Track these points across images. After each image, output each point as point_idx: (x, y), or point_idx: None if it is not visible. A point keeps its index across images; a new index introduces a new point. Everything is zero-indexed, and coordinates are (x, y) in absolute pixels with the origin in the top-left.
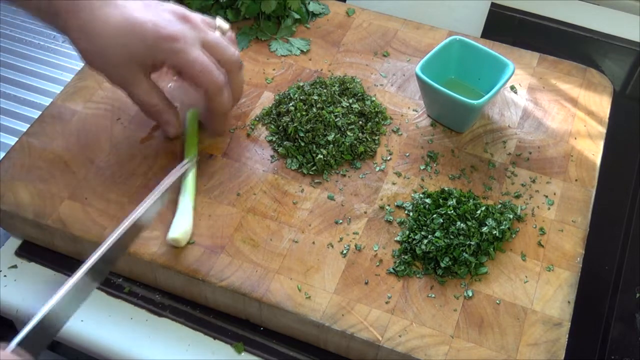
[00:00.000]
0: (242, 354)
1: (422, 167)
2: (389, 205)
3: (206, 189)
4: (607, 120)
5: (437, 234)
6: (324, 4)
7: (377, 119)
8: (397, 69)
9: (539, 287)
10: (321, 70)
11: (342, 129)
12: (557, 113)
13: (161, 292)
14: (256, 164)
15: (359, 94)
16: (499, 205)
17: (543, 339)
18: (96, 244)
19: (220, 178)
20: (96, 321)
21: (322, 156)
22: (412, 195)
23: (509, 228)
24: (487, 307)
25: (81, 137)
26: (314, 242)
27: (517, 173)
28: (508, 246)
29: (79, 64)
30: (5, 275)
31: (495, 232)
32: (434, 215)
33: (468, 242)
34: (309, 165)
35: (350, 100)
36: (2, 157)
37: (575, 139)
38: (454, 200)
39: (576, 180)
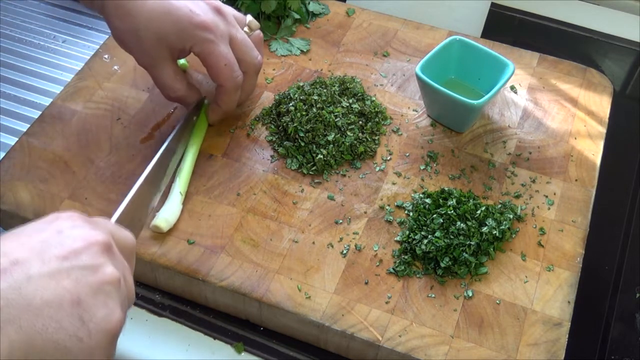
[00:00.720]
0: (242, 354)
1: (422, 167)
2: (389, 205)
3: (206, 189)
4: (607, 120)
5: (437, 234)
6: (324, 4)
7: (377, 119)
8: (397, 69)
9: (539, 287)
10: (321, 70)
11: (342, 129)
12: (557, 113)
13: (161, 292)
14: (256, 164)
15: (359, 94)
16: (499, 205)
17: (543, 339)
18: None
19: (220, 178)
20: None
21: (322, 156)
22: (412, 195)
23: (509, 228)
24: (487, 307)
25: (81, 137)
26: (314, 242)
27: (517, 173)
28: (508, 246)
29: (79, 64)
30: None
31: (495, 232)
32: (434, 215)
33: (468, 242)
34: (309, 165)
35: (350, 100)
36: (2, 157)
37: (575, 139)
38: (454, 200)
39: (576, 180)
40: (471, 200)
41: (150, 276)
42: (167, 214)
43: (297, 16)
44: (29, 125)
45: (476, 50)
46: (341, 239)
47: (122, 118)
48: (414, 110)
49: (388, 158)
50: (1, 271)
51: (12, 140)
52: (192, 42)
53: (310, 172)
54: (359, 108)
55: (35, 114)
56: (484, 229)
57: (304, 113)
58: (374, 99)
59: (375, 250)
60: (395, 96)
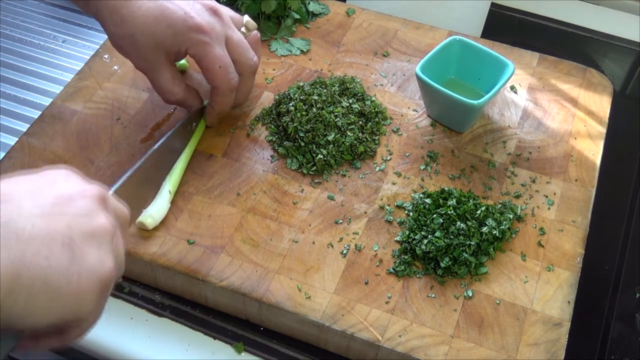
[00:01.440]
0: (242, 354)
1: (422, 167)
2: (389, 205)
3: (206, 189)
4: (607, 120)
5: (437, 234)
6: (324, 4)
7: (377, 119)
8: (397, 69)
9: (539, 287)
10: (321, 70)
11: (342, 129)
12: (557, 113)
13: (161, 292)
14: (256, 164)
15: (359, 94)
16: (499, 205)
17: (543, 339)
18: None
19: (220, 178)
20: None
21: (322, 156)
22: (412, 195)
23: (509, 228)
24: (487, 307)
25: (81, 137)
26: (314, 242)
27: (517, 173)
28: (508, 246)
29: (79, 64)
30: None
31: (495, 232)
32: (434, 215)
33: (468, 242)
34: (309, 165)
35: (350, 100)
36: (2, 157)
37: (575, 139)
38: (454, 200)
39: (576, 180)
40: (471, 200)
41: (150, 276)
42: (153, 211)
43: (297, 16)
44: (29, 125)
45: (476, 50)
46: (341, 239)
47: (122, 118)
48: (414, 110)
49: (388, 158)
50: None
51: (12, 140)
52: (187, 45)
53: (310, 172)
54: (359, 108)
55: (35, 114)
56: (484, 229)
57: (304, 113)
58: (374, 99)
59: (375, 250)
60: (395, 96)
